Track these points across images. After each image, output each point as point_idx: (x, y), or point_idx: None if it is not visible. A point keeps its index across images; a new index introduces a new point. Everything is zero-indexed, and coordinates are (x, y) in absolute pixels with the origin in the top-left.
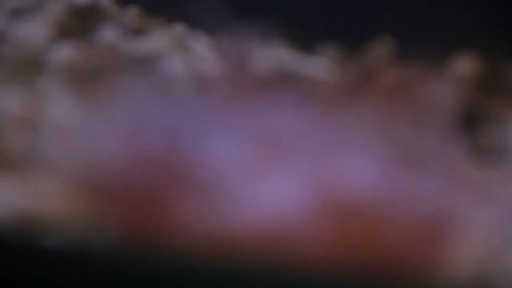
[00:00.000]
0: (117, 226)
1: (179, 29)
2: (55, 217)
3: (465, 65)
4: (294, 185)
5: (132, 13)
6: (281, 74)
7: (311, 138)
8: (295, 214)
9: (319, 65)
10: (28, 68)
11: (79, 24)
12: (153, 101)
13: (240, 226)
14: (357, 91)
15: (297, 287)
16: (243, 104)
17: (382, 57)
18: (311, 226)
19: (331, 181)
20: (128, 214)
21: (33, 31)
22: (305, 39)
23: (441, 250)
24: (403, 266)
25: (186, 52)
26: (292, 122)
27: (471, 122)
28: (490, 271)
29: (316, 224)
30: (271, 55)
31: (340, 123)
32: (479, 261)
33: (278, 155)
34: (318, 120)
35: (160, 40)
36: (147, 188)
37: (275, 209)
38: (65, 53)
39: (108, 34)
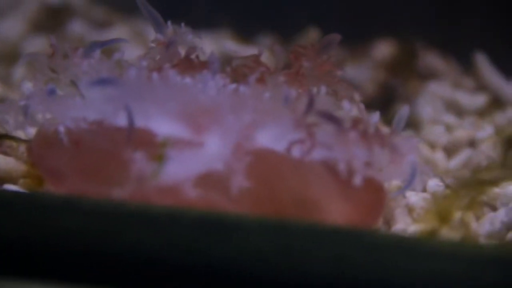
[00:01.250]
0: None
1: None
2: None
3: (383, 50)
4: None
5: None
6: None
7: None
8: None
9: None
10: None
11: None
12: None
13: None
14: (283, 74)
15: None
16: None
17: (308, 44)
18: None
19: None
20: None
21: (11, 27)
22: (245, 30)
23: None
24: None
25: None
26: (220, 96)
27: (386, 98)
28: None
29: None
30: (215, 42)
31: (262, 98)
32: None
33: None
34: (245, 95)
35: (121, 32)
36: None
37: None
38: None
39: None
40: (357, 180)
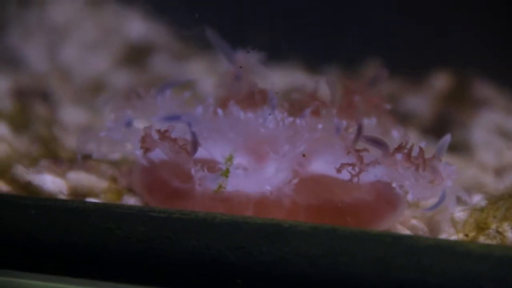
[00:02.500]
0: None
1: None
2: None
3: (440, 80)
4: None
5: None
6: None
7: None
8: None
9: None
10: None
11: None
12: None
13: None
14: (336, 107)
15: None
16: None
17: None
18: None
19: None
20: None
21: (98, 61)
22: (312, 61)
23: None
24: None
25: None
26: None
27: (441, 126)
28: None
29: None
30: (284, 73)
31: (316, 129)
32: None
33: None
34: (300, 127)
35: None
36: None
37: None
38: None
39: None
40: (410, 198)
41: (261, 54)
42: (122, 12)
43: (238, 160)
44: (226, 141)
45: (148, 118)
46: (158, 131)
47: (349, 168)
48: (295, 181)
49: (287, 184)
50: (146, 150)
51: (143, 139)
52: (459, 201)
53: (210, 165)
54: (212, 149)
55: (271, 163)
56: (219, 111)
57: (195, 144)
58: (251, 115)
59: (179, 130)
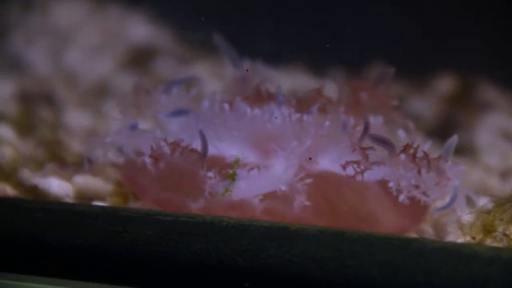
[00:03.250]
0: None
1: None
2: None
3: (445, 83)
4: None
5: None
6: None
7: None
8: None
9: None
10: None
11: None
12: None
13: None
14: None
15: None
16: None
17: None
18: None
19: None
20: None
21: (102, 65)
22: (317, 64)
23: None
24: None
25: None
26: (285, 124)
27: (446, 128)
28: None
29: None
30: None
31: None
32: None
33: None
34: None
35: (202, 68)
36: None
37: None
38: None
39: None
40: (401, 198)
41: (266, 58)
42: (125, 16)
43: (246, 157)
44: (232, 137)
45: (154, 114)
46: (166, 141)
47: (354, 165)
48: (308, 179)
49: (299, 181)
50: (156, 161)
51: (153, 150)
52: (469, 201)
53: (218, 162)
54: (220, 145)
55: (278, 160)
56: (226, 106)
57: (205, 145)
58: (257, 111)
59: (186, 133)
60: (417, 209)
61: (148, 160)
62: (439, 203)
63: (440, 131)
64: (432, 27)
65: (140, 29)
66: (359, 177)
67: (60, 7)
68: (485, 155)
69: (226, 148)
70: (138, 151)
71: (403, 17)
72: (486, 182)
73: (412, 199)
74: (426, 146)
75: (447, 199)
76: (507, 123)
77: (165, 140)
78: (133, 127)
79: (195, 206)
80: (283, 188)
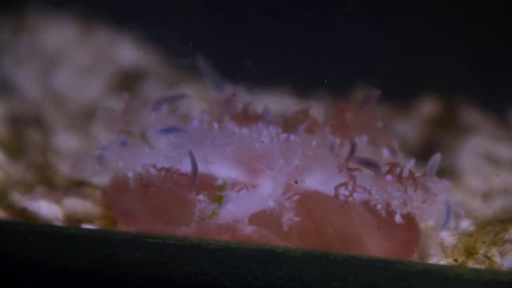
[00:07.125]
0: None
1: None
2: None
3: (427, 106)
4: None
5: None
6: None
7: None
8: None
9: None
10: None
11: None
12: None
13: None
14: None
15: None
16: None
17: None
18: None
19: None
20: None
21: (90, 87)
22: (301, 87)
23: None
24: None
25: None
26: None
27: (428, 150)
28: None
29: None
30: (274, 100)
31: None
32: None
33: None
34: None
35: (187, 90)
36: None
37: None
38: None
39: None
40: (397, 218)
41: (253, 81)
42: (114, 39)
43: (234, 177)
44: (221, 156)
45: (144, 132)
46: (155, 167)
47: (342, 189)
48: (295, 197)
49: (287, 199)
50: (147, 188)
51: (142, 177)
52: (457, 216)
53: (207, 183)
54: (208, 165)
55: (265, 179)
56: (215, 125)
57: (195, 168)
58: (245, 131)
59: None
60: (408, 233)
61: (133, 181)
62: (433, 222)
63: (423, 153)
64: (415, 50)
65: (128, 52)
66: (347, 199)
67: (49, 30)
68: (467, 177)
69: (215, 167)
70: (125, 169)
71: (388, 41)
72: (469, 204)
73: (405, 217)
74: (409, 164)
75: (442, 217)
76: (490, 145)
77: (154, 166)
78: (123, 143)
79: (184, 230)
80: (272, 204)
